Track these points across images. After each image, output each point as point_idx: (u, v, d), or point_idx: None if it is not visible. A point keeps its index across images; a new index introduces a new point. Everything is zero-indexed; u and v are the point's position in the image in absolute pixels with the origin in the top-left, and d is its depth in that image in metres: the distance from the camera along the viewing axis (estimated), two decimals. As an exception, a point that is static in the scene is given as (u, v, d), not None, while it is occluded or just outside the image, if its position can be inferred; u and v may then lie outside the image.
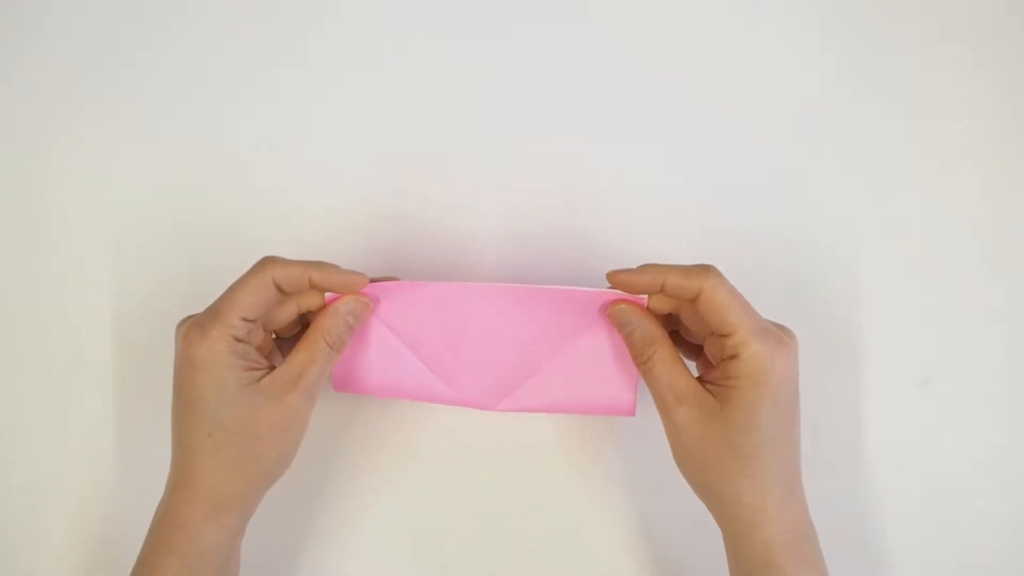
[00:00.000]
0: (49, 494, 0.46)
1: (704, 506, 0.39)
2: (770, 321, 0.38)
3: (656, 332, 0.40)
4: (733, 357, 0.37)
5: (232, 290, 0.38)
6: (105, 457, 0.46)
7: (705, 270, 0.38)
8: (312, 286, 0.39)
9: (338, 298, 0.40)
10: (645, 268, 0.39)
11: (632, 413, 0.42)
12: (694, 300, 0.38)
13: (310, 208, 0.47)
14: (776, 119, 0.47)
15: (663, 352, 0.39)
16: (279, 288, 0.39)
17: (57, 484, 0.46)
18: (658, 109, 0.47)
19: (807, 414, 0.46)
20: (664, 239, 0.47)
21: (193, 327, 0.38)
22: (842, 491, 0.46)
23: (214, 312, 0.38)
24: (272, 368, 0.39)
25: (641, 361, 0.40)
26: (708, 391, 0.38)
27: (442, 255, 0.47)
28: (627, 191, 0.47)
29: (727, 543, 0.39)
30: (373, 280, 0.41)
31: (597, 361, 0.42)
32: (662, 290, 0.39)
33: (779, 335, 0.37)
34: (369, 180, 0.47)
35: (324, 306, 0.40)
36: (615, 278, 0.40)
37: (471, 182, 0.47)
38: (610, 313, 0.40)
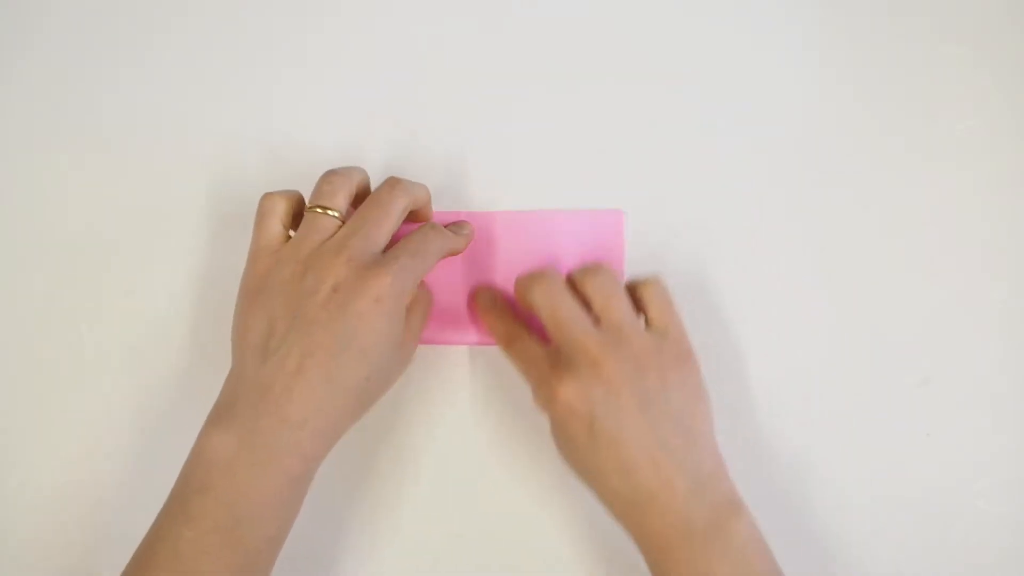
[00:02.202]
0: (49, 494, 0.46)
1: None
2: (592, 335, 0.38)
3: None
4: None
5: (430, 262, 0.39)
6: (105, 457, 0.46)
7: (541, 281, 0.40)
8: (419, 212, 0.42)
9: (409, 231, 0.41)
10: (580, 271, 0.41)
11: None
12: None
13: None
14: (776, 119, 0.47)
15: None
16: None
17: (57, 484, 0.46)
18: (657, 109, 0.47)
19: (808, 415, 0.46)
20: (664, 240, 0.47)
21: (391, 278, 0.37)
22: (841, 491, 0.46)
23: (414, 272, 0.38)
24: None
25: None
26: None
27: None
28: (626, 192, 0.47)
29: None
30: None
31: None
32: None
33: (546, 383, 0.38)
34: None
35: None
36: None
37: (472, 182, 0.47)
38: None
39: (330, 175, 0.40)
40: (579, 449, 0.38)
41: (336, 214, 0.39)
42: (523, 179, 0.47)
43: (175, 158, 0.47)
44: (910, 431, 0.46)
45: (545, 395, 0.39)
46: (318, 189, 0.40)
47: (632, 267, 0.46)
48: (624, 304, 0.39)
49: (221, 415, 0.37)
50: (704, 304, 0.46)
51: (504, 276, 0.46)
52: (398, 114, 0.47)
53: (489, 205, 0.47)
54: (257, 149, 0.47)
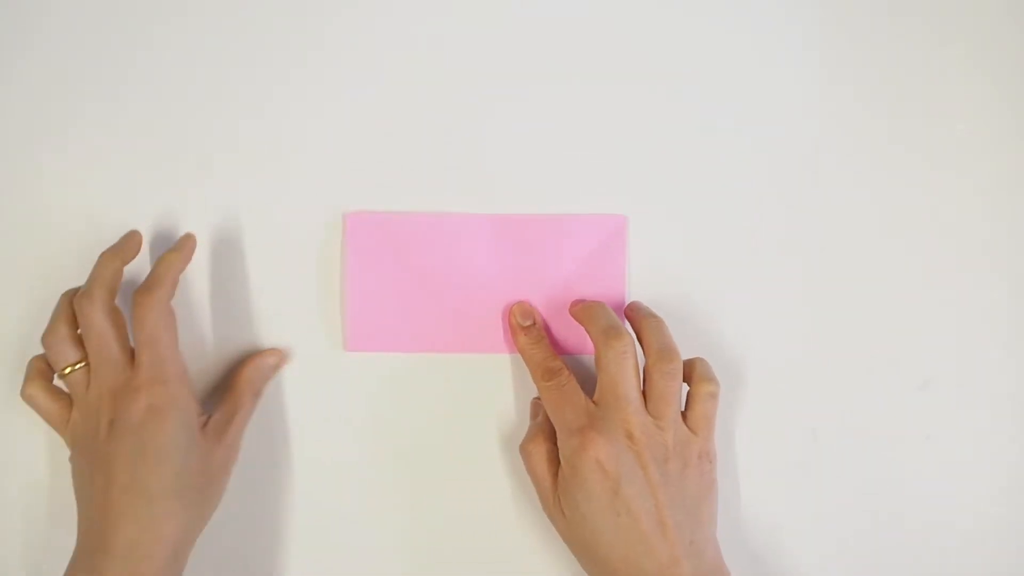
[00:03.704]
0: (49, 494, 0.46)
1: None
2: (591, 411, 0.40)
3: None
4: None
5: (165, 338, 0.41)
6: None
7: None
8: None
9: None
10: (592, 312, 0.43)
11: None
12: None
13: (312, 209, 0.47)
14: (776, 120, 0.47)
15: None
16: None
17: (57, 484, 0.46)
18: (657, 110, 0.47)
19: (808, 417, 0.46)
20: (663, 241, 0.47)
21: (154, 382, 0.40)
22: (842, 493, 0.46)
23: (164, 361, 0.41)
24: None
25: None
26: None
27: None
28: (625, 195, 0.47)
29: None
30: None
31: (581, 294, 0.45)
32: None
33: (580, 433, 0.39)
34: (371, 182, 0.47)
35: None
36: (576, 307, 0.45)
37: (472, 185, 0.47)
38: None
39: (47, 337, 0.42)
40: (593, 509, 0.39)
41: (77, 367, 0.42)
42: (522, 178, 0.47)
43: (175, 158, 0.47)
44: (910, 433, 0.46)
45: (574, 443, 0.39)
46: (50, 356, 0.42)
47: (632, 269, 0.46)
48: (676, 405, 0.41)
49: (70, 568, 0.39)
50: (704, 304, 0.46)
51: (504, 281, 0.46)
52: (398, 114, 0.47)
53: (489, 208, 0.47)
54: (257, 149, 0.47)
